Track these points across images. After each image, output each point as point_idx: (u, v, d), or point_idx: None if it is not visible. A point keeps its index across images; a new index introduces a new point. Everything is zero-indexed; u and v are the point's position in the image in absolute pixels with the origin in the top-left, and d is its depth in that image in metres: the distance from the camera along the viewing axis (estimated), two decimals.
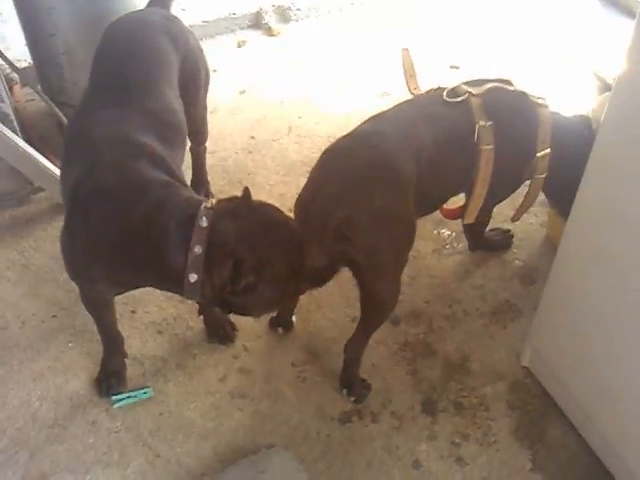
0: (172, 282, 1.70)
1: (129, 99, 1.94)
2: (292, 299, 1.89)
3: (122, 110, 1.90)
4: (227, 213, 1.69)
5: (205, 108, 2.58)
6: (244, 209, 1.71)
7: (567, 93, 3.45)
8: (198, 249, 1.63)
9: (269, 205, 1.80)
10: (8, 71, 3.28)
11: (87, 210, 1.77)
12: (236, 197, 1.75)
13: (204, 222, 1.64)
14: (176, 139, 2.01)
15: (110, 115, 1.88)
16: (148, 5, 2.49)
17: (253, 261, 1.64)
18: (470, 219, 2.29)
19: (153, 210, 1.69)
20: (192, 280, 1.64)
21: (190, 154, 2.75)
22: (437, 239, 2.77)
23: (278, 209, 1.80)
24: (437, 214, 2.48)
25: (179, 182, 1.84)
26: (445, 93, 2.14)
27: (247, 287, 1.65)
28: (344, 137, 2.04)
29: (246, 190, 1.72)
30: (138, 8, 2.54)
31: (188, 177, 2.79)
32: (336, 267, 1.96)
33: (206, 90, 2.51)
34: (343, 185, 1.85)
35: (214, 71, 3.64)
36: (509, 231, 2.76)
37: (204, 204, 1.70)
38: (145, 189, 1.73)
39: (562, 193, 2.33)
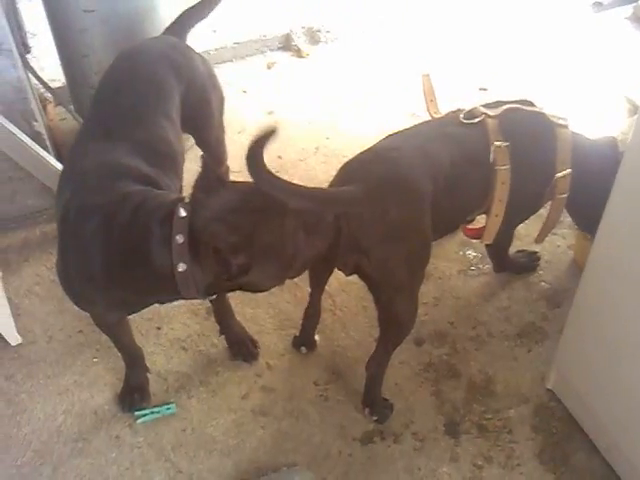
0: (164, 282, 1.65)
1: (120, 130, 1.96)
2: (302, 266, 1.79)
3: (112, 141, 1.91)
4: (202, 197, 1.64)
5: (222, 131, 2.58)
6: (214, 184, 1.65)
7: (597, 115, 3.43)
8: (180, 237, 1.59)
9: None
10: (42, 90, 3.35)
11: (75, 232, 1.77)
12: (201, 178, 1.68)
13: (182, 212, 1.62)
14: (169, 167, 2.00)
15: (100, 146, 1.90)
16: (163, 33, 2.53)
17: (237, 240, 1.57)
18: (488, 239, 2.28)
19: (132, 215, 1.68)
20: (181, 269, 1.60)
21: None
22: (462, 260, 2.76)
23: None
24: (462, 235, 2.48)
25: None
26: (462, 115, 2.16)
27: (242, 268, 1.59)
28: (364, 151, 2.07)
29: (203, 159, 1.67)
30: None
31: None
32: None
33: (221, 114, 2.51)
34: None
35: (244, 92, 3.71)
36: (536, 253, 2.74)
37: (184, 200, 1.67)
38: (124, 199, 1.72)
39: (586, 213, 2.33)
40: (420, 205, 1.94)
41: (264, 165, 1.60)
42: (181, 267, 1.61)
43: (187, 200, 1.67)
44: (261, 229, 1.62)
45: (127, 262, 1.69)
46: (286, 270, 1.74)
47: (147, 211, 1.68)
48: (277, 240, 1.66)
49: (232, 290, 1.79)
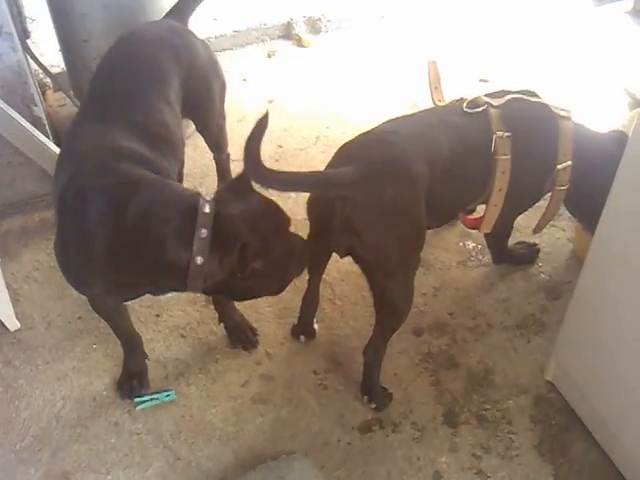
0: (174, 271, 1.67)
1: (117, 113, 1.95)
2: (287, 283, 1.90)
3: (109, 123, 1.90)
4: (229, 197, 1.71)
5: (223, 118, 2.59)
6: (244, 191, 1.74)
7: (597, 109, 3.43)
8: (204, 232, 1.63)
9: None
10: (41, 76, 3.34)
11: (74, 213, 1.75)
12: (234, 181, 1.78)
13: (207, 208, 1.65)
14: (168, 151, 2.00)
15: (97, 128, 1.89)
16: (164, 17, 2.51)
17: (259, 245, 1.66)
18: (486, 229, 2.28)
19: (149, 203, 1.68)
20: (199, 262, 1.63)
21: (215, 163, 2.83)
22: (462, 251, 2.76)
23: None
24: (462, 226, 2.48)
25: None
26: (465, 104, 2.16)
27: (255, 271, 1.68)
28: (362, 134, 2.07)
29: (244, 171, 1.72)
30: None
31: (213, 186, 2.84)
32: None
33: (222, 101, 2.52)
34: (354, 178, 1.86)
35: (244, 80, 3.70)
36: (535, 245, 2.74)
37: (202, 196, 1.71)
38: (136, 184, 1.71)
39: (584, 206, 2.33)
40: (415, 189, 1.93)
41: (259, 159, 1.66)
42: (199, 260, 1.64)
43: (206, 197, 1.72)
44: (277, 242, 1.74)
45: (138, 249, 1.69)
46: (277, 287, 1.88)
47: (166, 202, 1.70)
48: (285, 256, 1.78)
49: (228, 293, 1.85)
